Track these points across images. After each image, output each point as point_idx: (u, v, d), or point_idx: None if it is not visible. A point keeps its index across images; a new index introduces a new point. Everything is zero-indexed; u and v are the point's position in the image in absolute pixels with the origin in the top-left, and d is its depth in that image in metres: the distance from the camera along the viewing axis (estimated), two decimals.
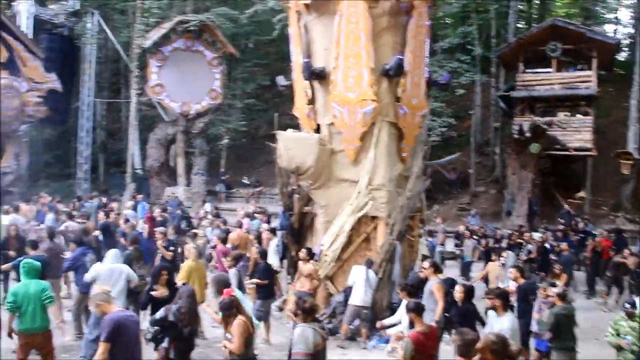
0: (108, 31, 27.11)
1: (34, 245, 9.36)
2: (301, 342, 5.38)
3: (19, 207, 15.05)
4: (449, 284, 8.83)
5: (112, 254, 8.53)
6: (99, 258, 9.20)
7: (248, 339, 5.86)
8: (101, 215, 14.60)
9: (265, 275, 9.94)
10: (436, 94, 21.44)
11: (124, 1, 27.25)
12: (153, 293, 7.86)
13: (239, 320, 5.84)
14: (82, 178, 27.09)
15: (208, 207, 20.63)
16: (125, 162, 25.92)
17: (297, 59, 11.89)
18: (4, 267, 10.11)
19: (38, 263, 7.29)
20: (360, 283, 9.80)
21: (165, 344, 6.68)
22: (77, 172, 27.30)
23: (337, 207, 10.91)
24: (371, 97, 10.72)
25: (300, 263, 10.21)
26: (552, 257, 14.31)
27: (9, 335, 6.89)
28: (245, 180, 24.92)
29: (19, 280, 8.05)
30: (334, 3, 10.88)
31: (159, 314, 6.82)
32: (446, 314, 8.38)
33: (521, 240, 15.32)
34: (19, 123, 22.47)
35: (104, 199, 20.04)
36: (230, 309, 5.91)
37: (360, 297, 9.76)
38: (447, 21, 30.29)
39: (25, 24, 24.46)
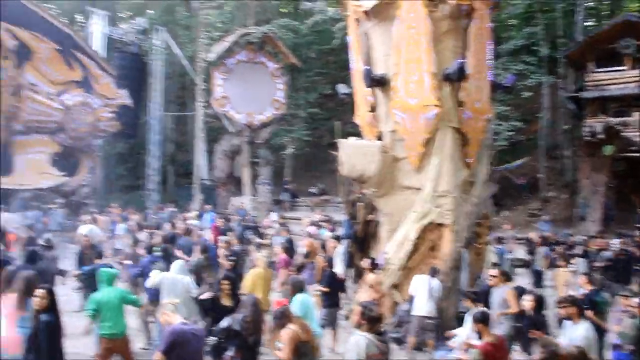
0: (174, 46, 28.00)
1: (99, 255, 9.86)
2: (353, 351, 5.34)
3: (97, 218, 15.77)
4: (519, 292, 8.56)
5: (177, 265, 8.75)
6: (168, 268, 9.47)
7: (299, 347, 5.84)
8: (168, 226, 15.02)
9: (330, 283, 9.91)
10: (502, 97, 20.88)
11: (188, 17, 28.08)
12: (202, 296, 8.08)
13: (287, 328, 5.86)
14: (152, 189, 28.01)
15: (274, 216, 20.85)
16: (193, 173, 26.63)
17: (357, 67, 11.86)
18: (73, 273, 10.62)
19: (115, 270, 7.71)
20: (421, 293, 9.57)
21: (230, 353, 6.79)
22: (148, 183, 28.25)
23: (401, 214, 10.75)
24: (433, 102, 10.53)
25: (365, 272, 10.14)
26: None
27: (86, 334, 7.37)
28: (313, 190, 25.05)
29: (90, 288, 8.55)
30: (393, 8, 10.80)
31: (224, 323, 6.94)
32: (516, 324, 8.11)
33: (598, 247, 14.61)
34: (94, 138, 23.52)
35: (174, 209, 20.66)
36: (282, 319, 5.96)
37: (422, 307, 9.51)
38: (511, 23, 29.52)
39: (97, 44, 25.69)
